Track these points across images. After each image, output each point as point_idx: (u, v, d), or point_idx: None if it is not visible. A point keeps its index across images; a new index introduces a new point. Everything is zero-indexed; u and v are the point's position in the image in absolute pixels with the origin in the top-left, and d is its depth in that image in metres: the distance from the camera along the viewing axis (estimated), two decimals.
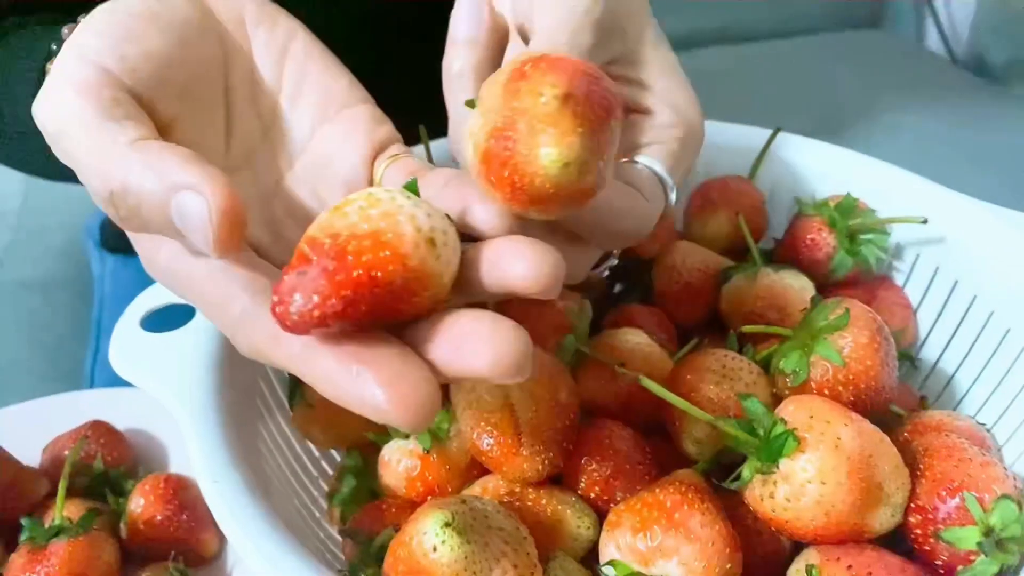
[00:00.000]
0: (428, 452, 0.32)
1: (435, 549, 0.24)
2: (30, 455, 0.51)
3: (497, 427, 0.30)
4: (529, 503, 0.30)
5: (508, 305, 0.31)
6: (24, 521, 0.43)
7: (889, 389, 0.32)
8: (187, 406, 0.29)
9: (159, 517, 0.45)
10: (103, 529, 0.45)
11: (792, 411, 0.28)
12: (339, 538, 0.34)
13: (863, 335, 0.31)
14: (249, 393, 0.34)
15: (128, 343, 0.32)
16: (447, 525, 0.25)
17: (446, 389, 0.33)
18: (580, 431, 0.32)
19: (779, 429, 0.28)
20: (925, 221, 0.38)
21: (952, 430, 0.33)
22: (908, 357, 0.40)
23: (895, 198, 0.40)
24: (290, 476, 0.35)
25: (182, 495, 0.46)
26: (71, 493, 0.46)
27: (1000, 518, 0.28)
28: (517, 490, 0.31)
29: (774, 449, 0.28)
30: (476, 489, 0.31)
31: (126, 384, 0.33)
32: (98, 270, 0.88)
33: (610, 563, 0.27)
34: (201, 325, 0.33)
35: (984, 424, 0.35)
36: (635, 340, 0.36)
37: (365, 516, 0.31)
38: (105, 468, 0.48)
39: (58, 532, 0.42)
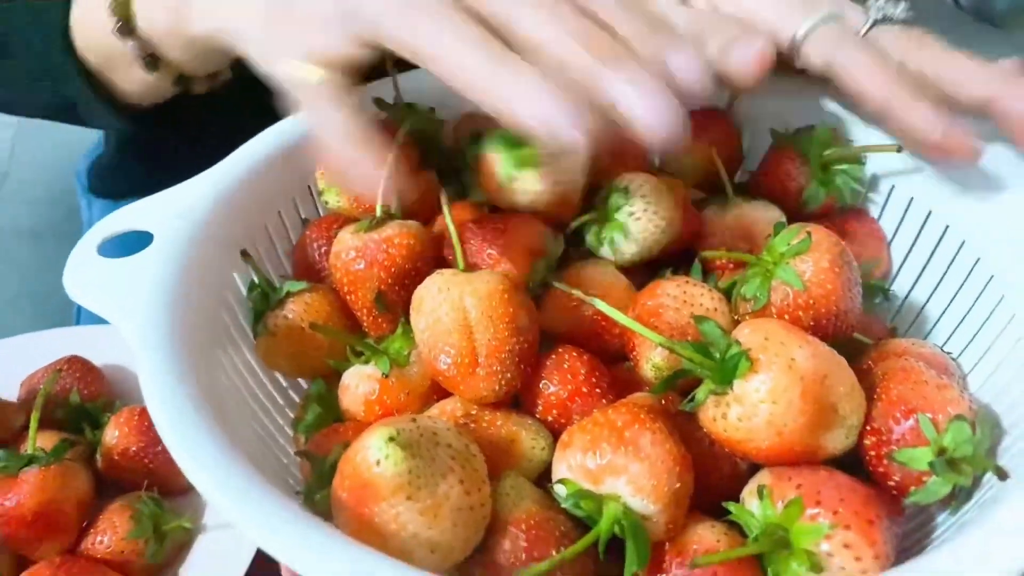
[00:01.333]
0: (387, 377, 0.32)
1: (379, 463, 0.24)
2: (10, 390, 0.51)
3: (455, 347, 0.30)
4: (485, 424, 0.30)
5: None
6: None
7: (851, 314, 0.32)
8: (139, 330, 0.29)
9: (133, 448, 0.46)
10: (78, 460, 0.45)
11: (747, 334, 0.28)
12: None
13: (824, 259, 0.31)
14: (211, 322, 0.34)
15: (83, 268, 0.31)
16: (391, 440, 0.25)
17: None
18: (540, 357, 0.32)
19: (734, 350, 0.28)
20: (900, 149, 0.37)
21: (914, 356, 0.32)
22: (881, 289, 0.40)
23: (872, 130, 0.40)
24: (253, 405, 0.35)
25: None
26: (48, 425, 0.46)
27: (953, 438, 0.28)
28: (474, 412, 0.31)
29: (728, 370, 0.28)
30: (433, 411, 0.31)
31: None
32: (87, 216, 0.88)
33: (560, 481, 0.27)
34: (159, 251, 0.32)
35: (950, 353, 0.35)
36: (601, 271, 0.36)
37: (323, 439, 0.31)
38: (81, 401, 0.49)
39: (30, 461, 0.42)
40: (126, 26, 0.41)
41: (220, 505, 0.23)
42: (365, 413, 0.32)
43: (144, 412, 0.48)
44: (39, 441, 0.44)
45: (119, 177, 0.73)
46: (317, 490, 0.29)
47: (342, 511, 0.25)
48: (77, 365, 0.51)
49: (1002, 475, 0.26)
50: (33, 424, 0.44)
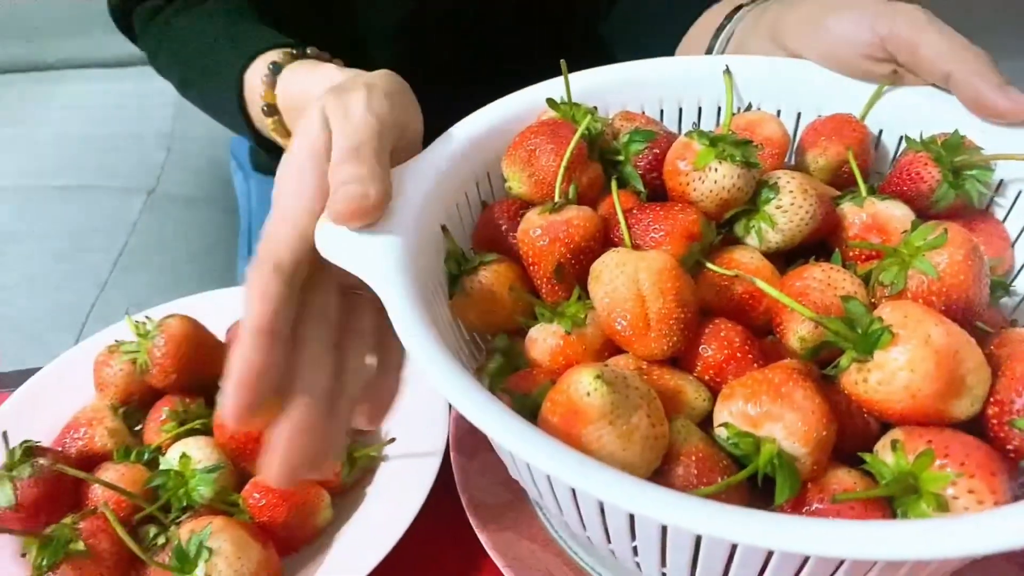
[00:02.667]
0: (569, 333, 0.38)
1: (588, 394, 0.31)
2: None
3: (631, 313, 0.36)
4: (655, 376, 0.36)
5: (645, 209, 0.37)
6: (221, 384, 0.52)
7: (979, 303, 0.36)
8: (383, 282, 0.36)
9: None
10: None
11: (888, 312, 0.33)
12: None
13: (959, 253, 0.35)
14: (428, 278, 0.40)
15: (330, 234, 0.39)
16: (598, 377, 0.31)
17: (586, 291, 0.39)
18: (699, 326, 0.38)
19: (876, 326, 0.33)
20: None
21: None
22: (1002, 285, 0.44)
23: (1001, 137, 0.43)
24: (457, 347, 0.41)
25: None
26: None
27: None
28: (644, 367, 0.37)
29: (870, 342, 0.33)
30: (611, 363, 0.37)
31: None
32: (243, 187, 0.99)
33: (723, 425, 0.33)
34: (390, 225, 0.39)
35: None
36: (748, 255, 0.42)
37: (519, 380, 0.38)
38: None
39: None
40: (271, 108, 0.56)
41: (472, 416, 0.30)
42: (550, 362, 0.38)
43: None
44: None
45: (275, 157, 0.84)
46: None
47: (552, 432, 0.32)
48: None
49: None
50: None
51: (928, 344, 0.32)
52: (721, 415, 0.34)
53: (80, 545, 0.46)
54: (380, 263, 0.37)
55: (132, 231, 1.06)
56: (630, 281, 0.37)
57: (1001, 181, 0.44)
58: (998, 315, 0.43)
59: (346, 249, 0.38)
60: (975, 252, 0.36)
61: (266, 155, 0.63)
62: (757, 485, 0.33)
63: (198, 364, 0.55)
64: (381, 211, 0.37)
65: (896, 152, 0.48)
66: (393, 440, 0.54)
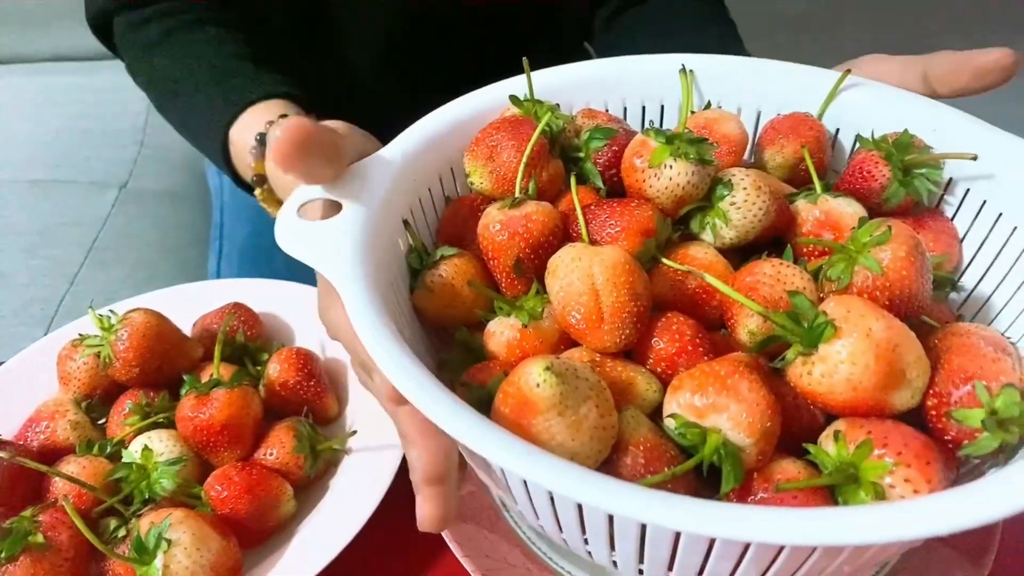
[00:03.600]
0: (526, 326, 0.39)
1: (538, 386, 0.31)
2: (183, 330, 0.60)
3: (584, 306, 0.37)
4: (608, 368, 0.37)
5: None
6: (186, 377, 0.53)
7: (922, 297, 0.37)
8: (338, 274, 0.36)
9: (291, 381, 0.54)
10: None
11: (832, 307, 0.34)
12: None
13: (901, 249, 0.36)
14: (385, 272, 0.41)
15: (289, 227, 0.39)
16: (547, 368, 0.32)
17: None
18: (652, 320, 0.39)
19: (820, 320, 0.34)
20: (975, 158, 0.42)
21: (976, 336, 0.38)
22: (950, 280, 0.45)
23: (951, 137, 0.45)
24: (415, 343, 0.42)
25: (310, 365, 0.55)
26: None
27: (1003, 402, 0.33)
28: (598, 359, 0.37)
29: (815, 336, 0.34)
30: (564, 356, 0.38)
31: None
32: (215, 182, 0.99)
33: (671, 416, 0.34)
34: (348, 218, 0.40)
35: (1010, 338, 0.40)
36: (703, 251, 0.42)
37: (476, 372, 0.39)
38: (244, 341, 0.58)
39: (216, 384, 0.51)
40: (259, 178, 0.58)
41: (424, 408, 0.30)
42: (507, 355, 0.39)
43: (300, 351, 0.56)
44: (213, 372, 0.53)
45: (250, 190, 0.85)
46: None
47: (503, 423, 0.32)
48: (241, 310, 0.59)
49: None
50: (217, 355, 0.53)
51: (869, 337, 0.33)
52: (670, 406, 0.34)
53: (39, 538, 0.46)
54: (340, 258, 0.37)
55: (103, 226, 1.06)
56: (585, 276, 0.37)
57: (951, 179, 0.46)
58: (945, 310, 0.44)
59: (305, 243, 0.39)
60: (917, 248, 0.37)
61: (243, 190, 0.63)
62: (705, 475, 0.33)
63: (161, 358, 0.55)
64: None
65: (852, 149, 0.49)
66: (355, 433, 0.54)
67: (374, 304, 0.35)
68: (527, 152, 0.43)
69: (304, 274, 0.50)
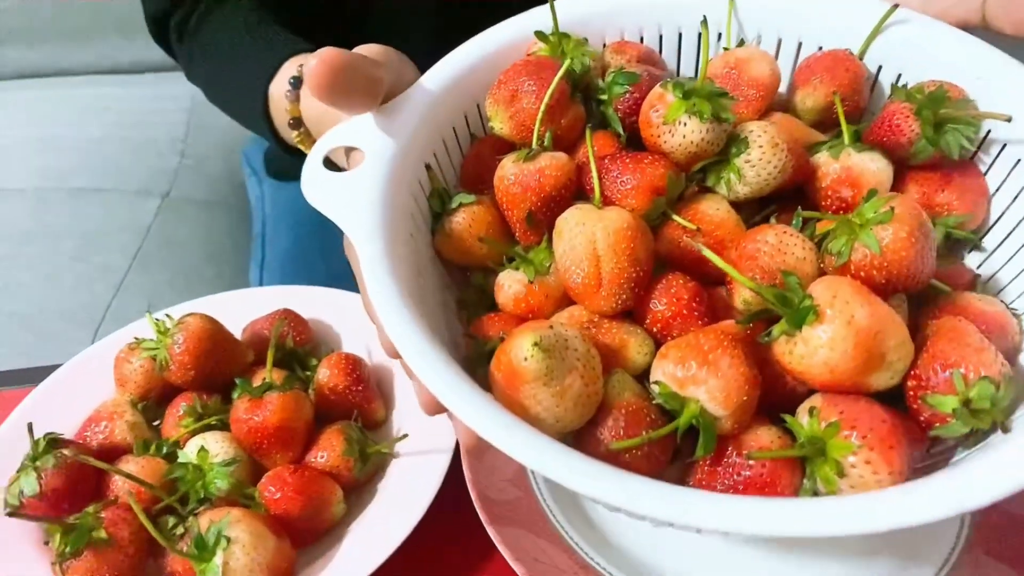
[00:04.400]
0: (532, 282, 0.41)
1: (525, 359, 0.34)
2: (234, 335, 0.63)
3: (584, 271, 0.39)
4: (603, 330, 0.39)
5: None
6: (238, 380, 0.56)
7: (923, 274, 0.37)
8: (357, 226, 0.39)
9: (341, 386, 0.57)
10: None
11: (820, 290, 0.35)
12: (460, 331, 0.45)
13: (903, 230, 0.36)
14: (406, 217, 0.43)
15: (315, 179, 0.41)
16: (535, 344, 0.34)
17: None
18: (653, 280, 0.40)
19: (806, 303, 0.35)
20: (1010, 119, 0.40)
21: (974, 314, 0.38)
22: (971, 241, 0.44)
23: (996, 87, 0.42)
24: (436, 281, 0.45)
25: (359, 370, 0.58)
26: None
27: (978, 394, 0.34)
28: (596, 319, 0.40)
29: (799, 318, 0.35)
30: (564, 315, 0.41)
31: None
32: (256, 192, 1.02)
33: (655, 383, 0.37)
34: (370, 165, 0.42)
35: (1015, 309, 0.40)
36: (715, 206, 0.43)
37: (482, 324, 0.42)
38: (294, 347, 0.60)
39: (269, 387, 0.54)
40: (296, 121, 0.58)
41: (419, 372, 0.34)
42: (513, 307, 0.42)
43: (349, 356, 0.58)
44: (265, 376, 0.56)
45: (287, 163, 0.87)
46: (477, 366, 0.40)
47: (496, 386, 0.36)
48: (291, 315, 0.62)
49: (1005, 429, 0.33)
50: (269, 360, 0.55)
51: (850, 325, 0.34)
52: (656, 373, 0.37)
53: (102, 533, 0.47)
54: (358, 217, 0.40)
55: (147, 234, 1.10)
56: (587, 240, 0.39)
57: (988, 132, 0.44)
58: (962, 270, 0.44)
59: (328, 196, 0.41)
60: (921, 229, 0.36)
61: (290, 160, 0.64)
62: (680, 438, 0.36)
63: (216, 361, 0.57)
64: None
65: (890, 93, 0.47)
66: (405, 437, 0.56)
67: (387, 267, 0.37)
68: (545, 100, 0.43)
69: (346, 281, 0.49)
